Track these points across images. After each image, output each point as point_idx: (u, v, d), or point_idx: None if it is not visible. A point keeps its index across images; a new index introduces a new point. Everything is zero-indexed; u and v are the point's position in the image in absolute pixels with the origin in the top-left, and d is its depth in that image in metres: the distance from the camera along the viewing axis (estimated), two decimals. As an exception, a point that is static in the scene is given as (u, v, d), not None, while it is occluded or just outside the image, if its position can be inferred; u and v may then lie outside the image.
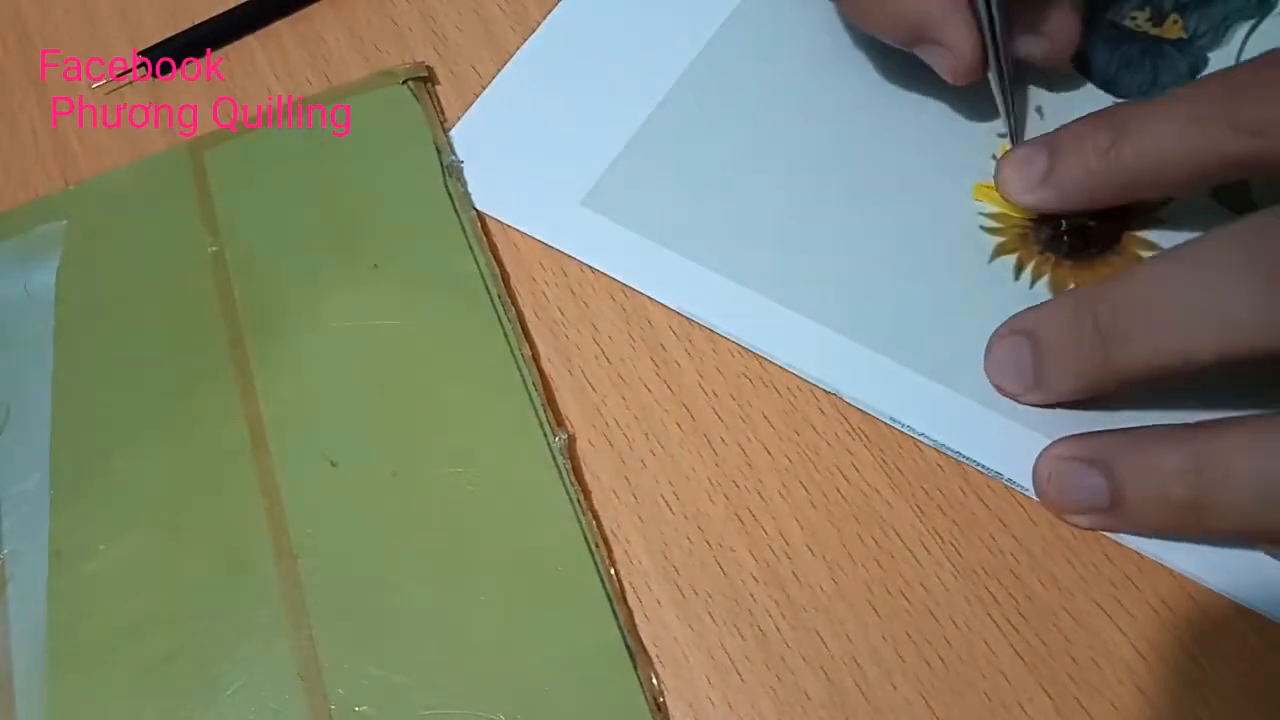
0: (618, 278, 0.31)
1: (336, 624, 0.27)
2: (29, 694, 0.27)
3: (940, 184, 0.31)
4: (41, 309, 0.33)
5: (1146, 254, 0.29)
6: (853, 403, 0.28)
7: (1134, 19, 0.32)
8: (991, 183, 0.30)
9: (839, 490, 0.28)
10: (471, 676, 0.26)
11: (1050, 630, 0.25)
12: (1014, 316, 0.27)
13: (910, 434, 0.28)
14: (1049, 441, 0.26)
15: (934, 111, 0.32)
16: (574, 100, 0.34)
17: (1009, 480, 0.27)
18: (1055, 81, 0.32)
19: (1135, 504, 0.25)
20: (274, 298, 0.32)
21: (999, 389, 0.28)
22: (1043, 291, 0.29)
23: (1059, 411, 0.27)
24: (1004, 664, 0.25)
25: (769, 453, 0.28)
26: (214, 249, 0.33)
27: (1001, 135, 0.31)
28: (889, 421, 0.28)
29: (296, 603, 0.27)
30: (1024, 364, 0.27)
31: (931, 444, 0.28)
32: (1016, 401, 0.27)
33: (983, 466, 0.27)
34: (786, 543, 0.27)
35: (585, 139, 0.33)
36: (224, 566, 0.28)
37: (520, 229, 0.32)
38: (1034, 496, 0.27)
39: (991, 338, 0.28)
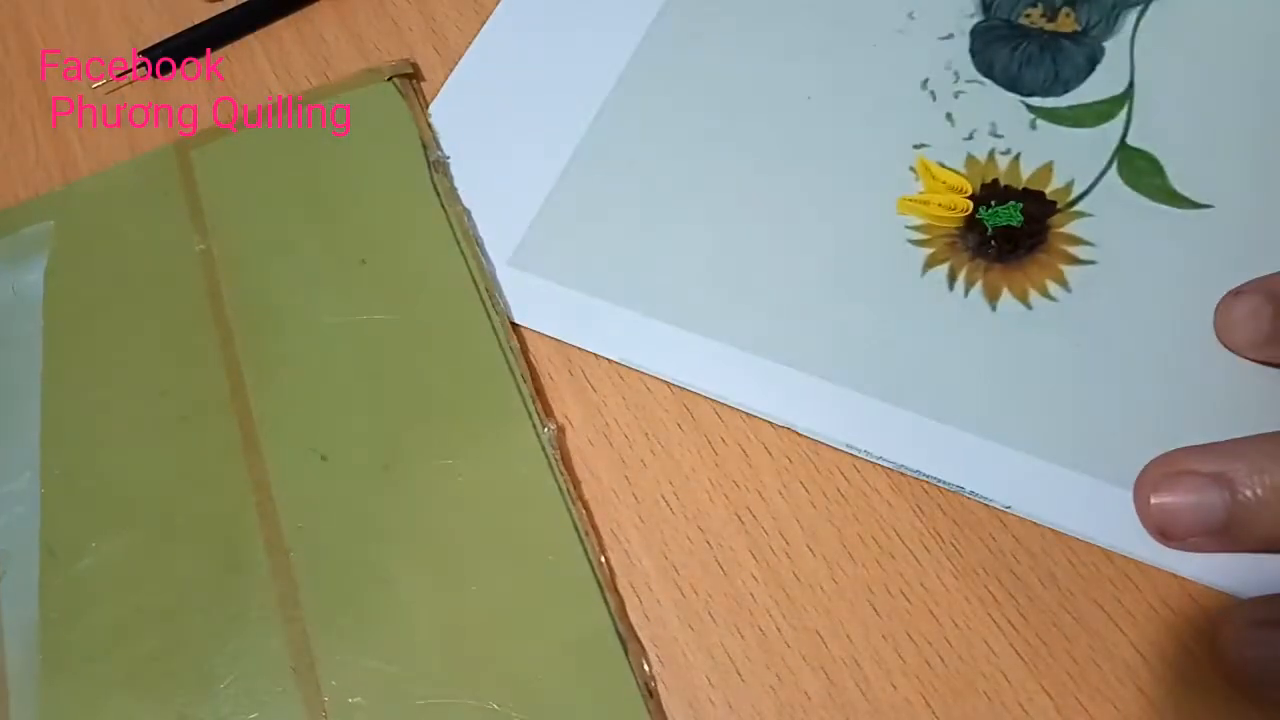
0: (551, 335, 0.30)
1: (329, 616, 0.27)
2: (22, 690, 0.27)
3: (863, 201, 0.31)
4: (30, 309, 0.33)
5: (1072, 249, 0.29)
6: (805, 433, 0.28)
7: (1028, 16, 0.33)
8: (914, 196, 0.30)
9: (839, 490, 0.28)
10: (464, 666, 0.26)
11: (1050, 630, 0.25)
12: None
13: (865, 457, 0.27)
14: (1005, 448, 0.27)
15: (851, 129, 0.32)
16: (497, 147, 0.33)
17: (971, 493, 0.27)
18: (960, 85, 0.32)
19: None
20: (262, 294, 0.32)
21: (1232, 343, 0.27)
22: (978, 299, 0.29)
23: (1006, 420, 0.27)
24: (1004, 664, 0.25)
25: (769, 453, 0.28)
26: (201, 247, 0.33)
27: (918, 147, 0.31)
28: (844, 448, 0.28)
29: (289, 596, 0.27)
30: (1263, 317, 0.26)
31: (887, 465, 0.27)
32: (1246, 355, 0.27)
33: (941, 481, 0.27)
34: (786, 543, 0.27)
35: (508, 193, 0.32)
36: (216, 562, 0.28)
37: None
38: (994, 504, 0.26)
39: (1229, 295, 0.27)
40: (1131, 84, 0.31)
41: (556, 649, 0.26)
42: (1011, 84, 0.32)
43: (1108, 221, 0.29)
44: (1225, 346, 0.27)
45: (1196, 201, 0.29)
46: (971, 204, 0.30)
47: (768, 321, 0.29)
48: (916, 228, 0.30)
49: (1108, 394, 0.27)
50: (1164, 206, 0.29)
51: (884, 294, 0.29)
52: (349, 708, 0.26)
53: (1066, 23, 0.32)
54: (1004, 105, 0.31)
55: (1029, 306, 0.29)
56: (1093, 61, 0.32)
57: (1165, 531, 0.25)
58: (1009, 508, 0.26)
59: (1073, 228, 0.30)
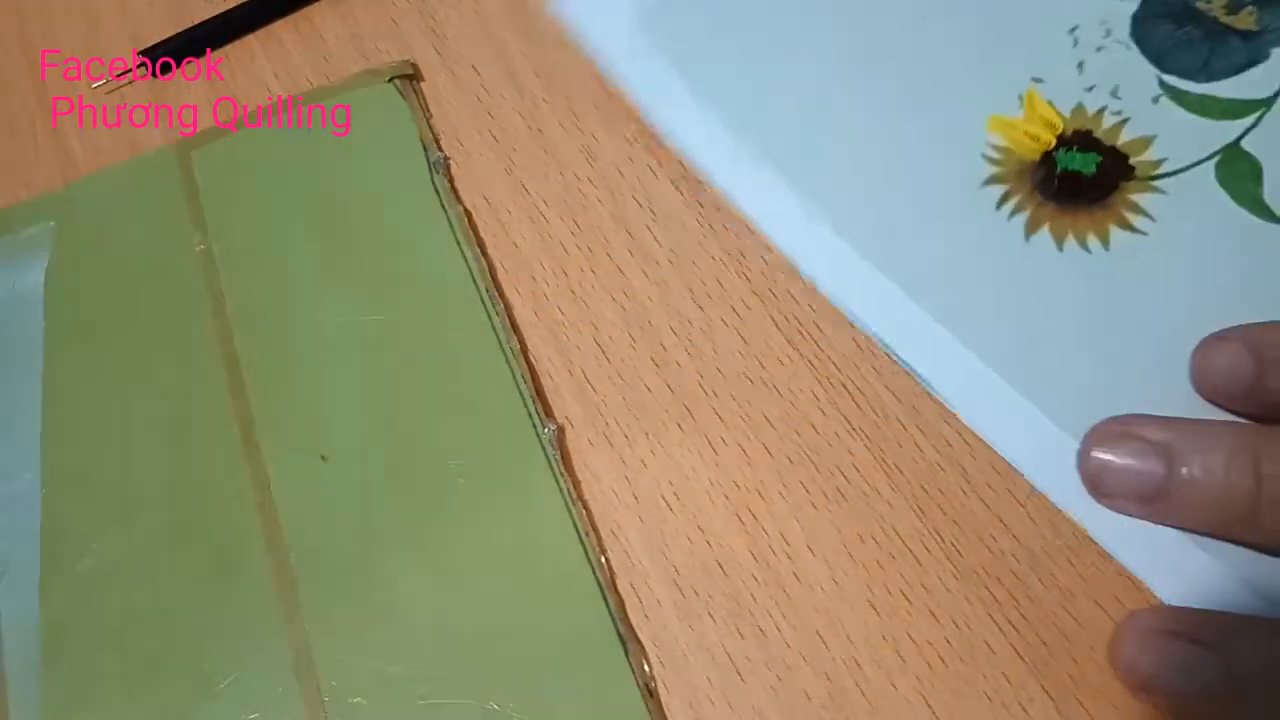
0: (640, 100, 0.33)
1: (329, 616, 0.27)
2: (23, 692, 0.27)
3: (961, 107, 0.32)
4: (30, 310, 0.33)
5: (1130, 215, 0.29)
6: (820, 290, 0.30)
7: (1209, 3, 0.32)
8: (1007, 118, 0.31)
9: (839, 490, 0.28)
10: (464, 665, 0.26)
11: (1050, 630, 0.25)
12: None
13: (873, 337, 0.29)
14: (981, 363, 0.28)
15: (984, 42, 0.33)
16: None
17: (927, 382, 0.28)
18: (1105, 42, 0.32)
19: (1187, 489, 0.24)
20: (262, 295, 0.32)
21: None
22: (1018, 226, 0.30)
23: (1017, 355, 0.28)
24: (1004, 664, 0.25)
25: (769, 453, 0.28)
26: (202, 247, 0.33)
27: (1036, 80, 0.32)
28: (850, 318, 0.29)
29: (289, 596, 0.27)
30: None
31: (883, 347, 0.29)
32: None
33: (905, 362, 0.28)
34: (786, 543, 0.27)
35: None
36: (216, 562, 0.28)
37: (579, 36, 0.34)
38: (944, 401, 0.28)
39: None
40: (1278, 94, 0.31)
41: (556, 649, 0.26)
42: (1157, 58, 0.32)
43: (1178, 203, 0.29)
44: (1199, 392, 0.26)
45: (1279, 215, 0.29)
46: (1055, 141, 0.31)
47: (828, 172, 0.31)
48: (996, 147, 0.31)
49: (1098, 354, 0.28)
50: (1243, 210, 0.29)
51: (937, 193, 0.30)
52: (349, 708, 0.26)
53: (1246, 20, 0.32)
54: (1137, 73, 0.31)
55: (1060, 249, 0.29)
56: (1252, 62, 0.31)
57: (1097, 485, 0.26)
58: (956, 412, 0.28)
59: (1140, 197, 0.30)
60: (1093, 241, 0.29)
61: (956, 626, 0.26)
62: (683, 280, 0.31)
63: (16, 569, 0.29)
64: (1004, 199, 0.30)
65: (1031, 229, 0.30)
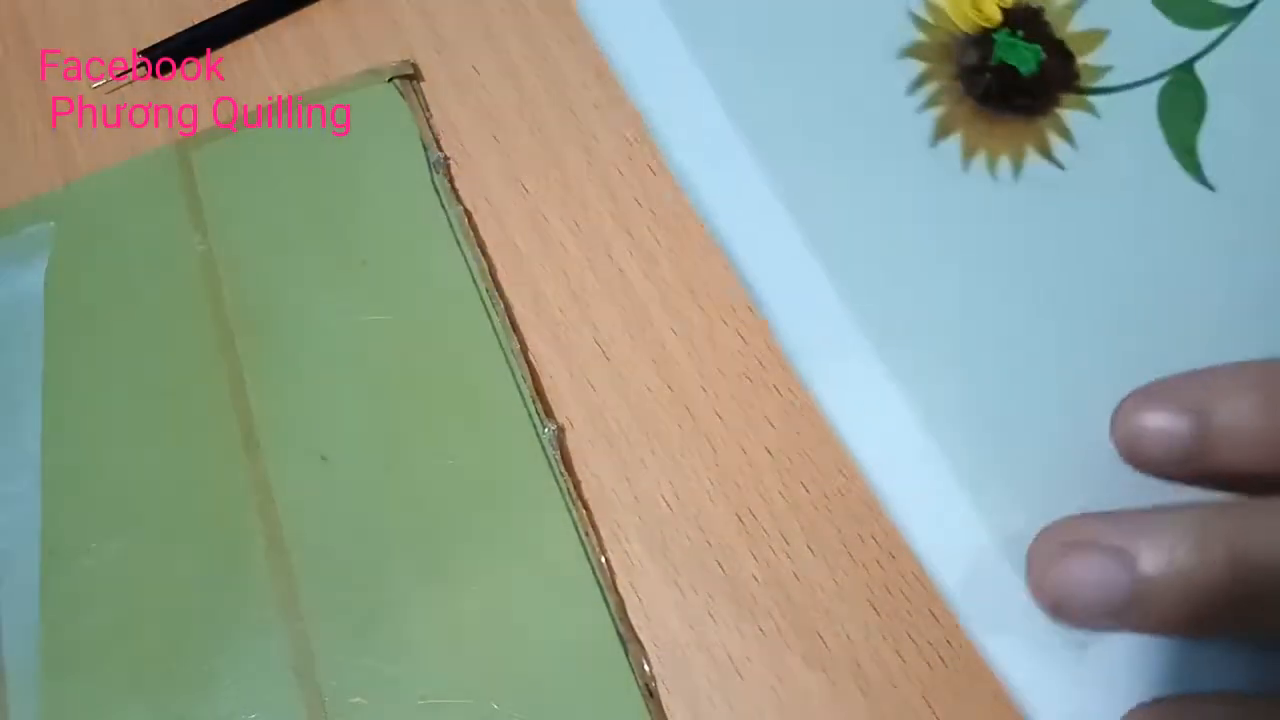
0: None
1: (329, 616, 0.27)
2: (23, 691, 0.27)
3: None
4: (31, 310, 0.33)
5: (1056, 141, 0.24)
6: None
7: None
8: None
9: (839, 490, 0.28)
10: (464, 665, 0.26)
11: (1051, 630, 0.25)
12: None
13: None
14: (846, 310, 0.22)
15: None
16: None
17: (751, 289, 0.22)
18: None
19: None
20: (263, 295, 0.32)
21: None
22: (926, 126, 0.24)
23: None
24: (1005, 664, 0.25)
25: (769, 453, 0.28)
26: (202, 248, 0.33)
27: None
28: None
29: (289, 596, 0.27)
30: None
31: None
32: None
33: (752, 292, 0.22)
34: (786, 543, 0.27)
35: None
36: (217, 562, 0.28)
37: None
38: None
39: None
40: (1250, 9, 0.25)
41: (556, 649, 0.26)
42: None
43: (1107, 133, 0.24)
44: (1125, 459, 0.22)
45: (1205, 173, 0.24)
46: (1001, 18, 0.25)
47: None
48: (931, 9, 0.25)
49: (973, 329, 0.22)
50: (1174, 160, 0.24)
51: (851, 54, 0.24)
52: (349, 708, 0.26)
53: None
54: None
55: (965, 167, 0.24)
56: None
57: (1060, 610, 0.21)
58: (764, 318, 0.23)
59: (1072, 116, 0.24)
60: (1004, 165, 0.23)
61: (957, 626, 0.26)
62: (683, 280, 0.31)
63: (16, 569, 0.29)
64: (920, 82, 0.24)
65: (942, 132, 0.23)
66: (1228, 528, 0.20)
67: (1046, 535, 0.21)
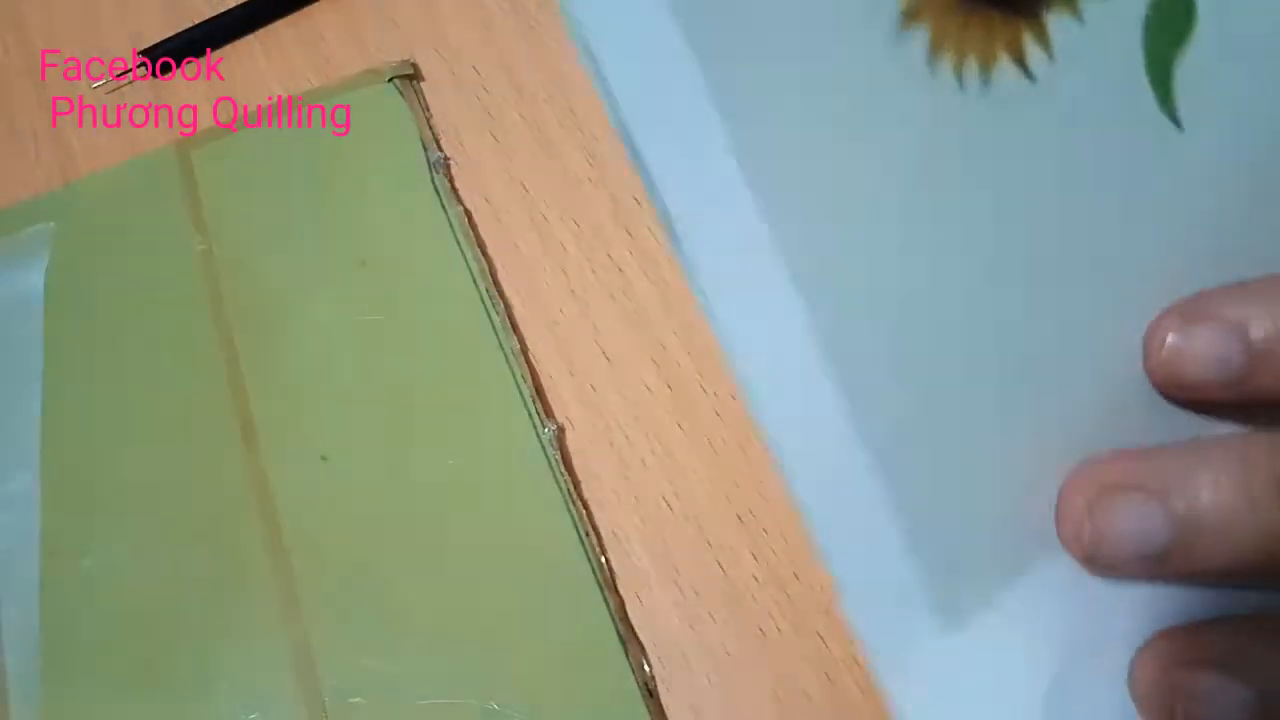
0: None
1: (329, 616, 0.27)
2: (22, 691, 0.27)
3: None
4: (30, 310, 0.33)
5: (1034, 48, 0.20)
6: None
7: None
8: None
9: (839, 490, 0.28)
10: (464, 665, 0.26)
11: (1051, 631, 0.25)
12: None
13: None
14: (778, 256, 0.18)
15: None
16: None
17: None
18: None
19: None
20: (263, 295, 0.32)
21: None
22: (890, 9, 0.20)
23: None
24: (1005, 664, 0.25)
25: (769, 453, 0.28)
26: (202, 247, 0.33)
27: None
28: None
29: (289, 596, 0.27)
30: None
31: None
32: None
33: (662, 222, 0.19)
34: (786, 543, 0.27)
35: None
36: (216, 562, 0.28)
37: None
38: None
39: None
40: None
41: (556, 649, 0.26)
42: None
43: (1087, 46, 0.21)
44: (1157, 385, 0.19)
45: (1176, 112, 0.21)
46: None
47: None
48: None
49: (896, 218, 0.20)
50: (1146, 87, 0.21)
51: None
52: (349, 708, 0.26)
53: None
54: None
55: (931, 69, 0.20)
56: None
57: (1094, 558, 0.19)
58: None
59: (1056, 21, 0.21)
60: (971, 69, 0.20)
61: (957, 626, 0.26)
62: (683, 280, 0.31)
63: (16, 568, 0.29)
64: None
65: (910, 16, 0.20)
66: (1272, 460, 0.18)
67: (1076, 480, 0.19)
